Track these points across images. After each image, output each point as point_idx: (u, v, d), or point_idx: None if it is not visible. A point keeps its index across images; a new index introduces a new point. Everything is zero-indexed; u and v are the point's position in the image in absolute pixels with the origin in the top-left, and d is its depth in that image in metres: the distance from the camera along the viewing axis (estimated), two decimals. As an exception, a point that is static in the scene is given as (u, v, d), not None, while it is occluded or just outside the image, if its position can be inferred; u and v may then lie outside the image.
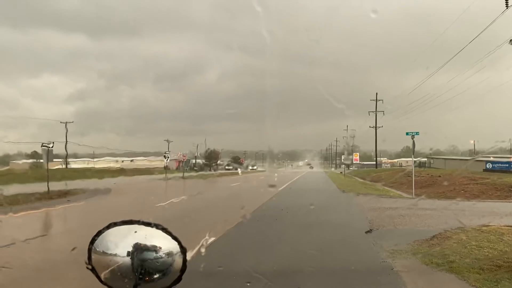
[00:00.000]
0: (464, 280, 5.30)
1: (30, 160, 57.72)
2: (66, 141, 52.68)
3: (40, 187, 19.49)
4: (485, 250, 6.82)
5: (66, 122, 54.11)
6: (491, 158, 58.13)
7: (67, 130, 53.35)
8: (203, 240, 8.00)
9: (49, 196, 17.88)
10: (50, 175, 19.96)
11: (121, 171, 49.79)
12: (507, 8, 21.83)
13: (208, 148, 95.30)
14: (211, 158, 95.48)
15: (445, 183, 28.46)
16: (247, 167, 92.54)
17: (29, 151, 56.40)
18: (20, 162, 57.79)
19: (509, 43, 22.10)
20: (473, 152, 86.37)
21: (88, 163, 72.22)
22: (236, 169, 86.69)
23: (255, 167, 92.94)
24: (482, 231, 8.38)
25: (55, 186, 20.04)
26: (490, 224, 9.10)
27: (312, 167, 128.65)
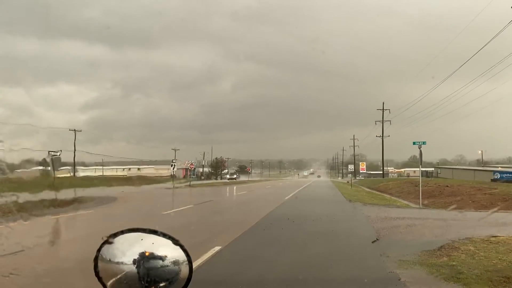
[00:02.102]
0: (472, 291, 5.24)
1: (39, 168, 57.99)
2: (75, 149, 53.03)
3: (47, 195, 19.58)
4: (493, 261, 6.74)
5: (75, 130, 54.55)
6: (499, 168, 57.73)
7: (75, 138, 53.78)
8: (209, 249, 8.02)
9: (56, 204, 17.95)
10: (57, 183, 20.05)
11: (127, 180, 49.92)
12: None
13: (216, 158, 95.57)
14: (218, 167, 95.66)
15: (453, 193, 28.22)
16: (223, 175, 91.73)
17: (39, 159, 56.68)
18: (28, 170, 58.02)
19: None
20: (481, 162, 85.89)
21: (95, 171, 72.61)
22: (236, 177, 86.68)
23: (234, 176, 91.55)
24: (490, 242, 8.29)
25: (63, 194, 20.14)
26: (498, 235, 9.01)
27: (319, 176, 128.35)
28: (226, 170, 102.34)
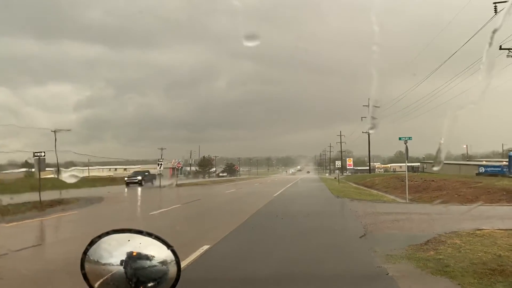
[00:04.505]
0: (459, 284, 5.30)
1: (22, 170, 57.25)
2: (56, 150, 52.40)
3: (32, 196, 19.33)
4: (479, 254, 6.84)
5: (55, 131, 53.89)
6: (484, 162, 58.59)
7: (55, 139, 53.14)
8: (198, 248, 7.99)
9: (41, 206, 17.72)
10: (42, 185, 19.79)
11: (113, 180, 49.63)
12: (495, 14, 22.11)
13: (203, 156, 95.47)
14: (205, 165, 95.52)
15: (438, 187, 28.59)
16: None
17: (23, 160, 56.05)
18: (9, 172, 57.30)
19: (499, 49, 22.35)
20: (466, 157, 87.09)
21: (83, 172, 71.85)
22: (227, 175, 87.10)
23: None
24: (476, 235, 8.41)
25: (48, 195, 19.89)
26: (483, 228, 9.14)
27: (308, 172, 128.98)
28: (214, 169, 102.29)
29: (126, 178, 43.86)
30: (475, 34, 25.87)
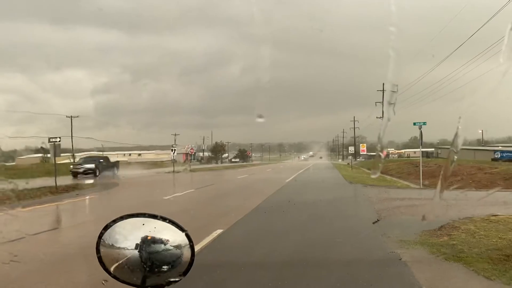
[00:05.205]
0: (473, 270, 5.27)
1: (38, 155, 58.18)
2: (72, 135, 53.24)
3: (47, 181, 19.66)
4: (493, 240, 6.78)
5: (72, 116, 54.69)
6: (500, 147, 57.71)
7: (72, 125, 53.96)
8: (211, 232, 8.06)
9: (56, 191, 18.02)
10: (58, 170, 20.09)
11: (127, 165, 50.07)
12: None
13: (216, 142, 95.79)
14: (217, 151, 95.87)
15: (453, 173, 28.25)
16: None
17: (38, 146, 57.04)
18: (25, 157, 58.32)
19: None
20: (481, 142, 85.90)
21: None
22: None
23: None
24: (490, 221, 8.34)
25: (64, 180, 20.20)
26: (499, 214, 9.05)
27: (321, 157, 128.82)
28: (226, 154, 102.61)
29: (71, 167, 31.77)
30: (493, 17, 25.26)
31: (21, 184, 17.68)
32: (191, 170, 41.25)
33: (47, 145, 22.40)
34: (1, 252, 6.67)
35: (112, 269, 1.61)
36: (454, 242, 6.74)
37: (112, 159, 38.72)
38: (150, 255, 1.60)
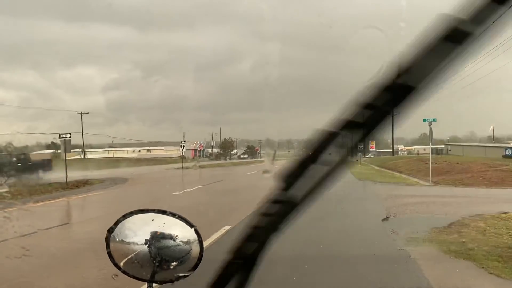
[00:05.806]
0: (483, 268, 5.24)
1: (49, 151, 58.71)
2: (82, 132, 53.67)
3: (58, 177, 19.85)
4: (504, 238, 6.74)
5: (82, 113, 55.09)
6: (511, 144, 57.08)
7: (82, 121, 54.39)
8: (220, 228, 8.10)
9: (67, 187, 18.20)
10: (68, 165, 20.27)
11: (137, 161, 50.32)
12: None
13: (225, 138, 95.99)
14: (226, 147, 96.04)
15: (463, 170, 28.07)
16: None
17: (49, 142, 57.57)
18: (36, 153, 58.90)
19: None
20: (492, 139, 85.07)
21: (108, 153, 73.42)
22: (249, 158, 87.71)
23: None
24: (501, 219, 8.28)
25: (74, 176, 20.38)
26: (509, 211, 8.97)
27: (330, 154, 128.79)
28: (235, 151, 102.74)
29: None
30: (503, 13, 24.92)
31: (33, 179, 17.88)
32: (200, 166, 41.36)
33: (58, 141, 22.60)
34: (14, 246, 6.76)
35: (121, 264, 1.63)
36: (464, 240, 6.71)
37: (44, 157, 32.79)
38: (159, 250, 1.61)
